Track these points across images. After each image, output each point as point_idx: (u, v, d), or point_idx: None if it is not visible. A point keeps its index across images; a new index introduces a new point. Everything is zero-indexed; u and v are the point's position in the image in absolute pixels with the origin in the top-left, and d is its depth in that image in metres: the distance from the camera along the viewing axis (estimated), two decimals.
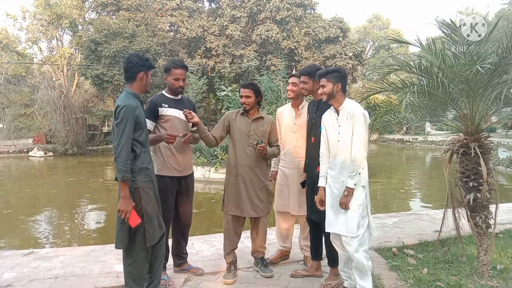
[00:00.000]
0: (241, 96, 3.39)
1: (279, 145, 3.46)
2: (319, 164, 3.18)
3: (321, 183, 3.01)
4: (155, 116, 3.24)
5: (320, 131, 3.16)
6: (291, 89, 3.57)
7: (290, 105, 3.69)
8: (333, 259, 3.19)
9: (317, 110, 3.26)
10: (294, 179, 3.51)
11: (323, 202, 3.01)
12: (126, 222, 2.60)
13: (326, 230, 2.97)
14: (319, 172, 3.18)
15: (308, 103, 3.67)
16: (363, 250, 2.80)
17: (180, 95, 3.41)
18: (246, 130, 3.36)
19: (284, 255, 3.74)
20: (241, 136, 3.36)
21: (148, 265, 2.76)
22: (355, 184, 2.77)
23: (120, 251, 2.75)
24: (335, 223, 2.89)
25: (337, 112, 2.92)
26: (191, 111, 3.20)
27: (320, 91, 2.92)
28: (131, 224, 2.56)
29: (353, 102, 2.91)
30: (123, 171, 2.47)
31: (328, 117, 3.00)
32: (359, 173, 2.77)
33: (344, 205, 2.80)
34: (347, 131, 2.82)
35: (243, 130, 3.36)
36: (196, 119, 3.19)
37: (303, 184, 3.41)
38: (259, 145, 3.21)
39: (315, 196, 3.18)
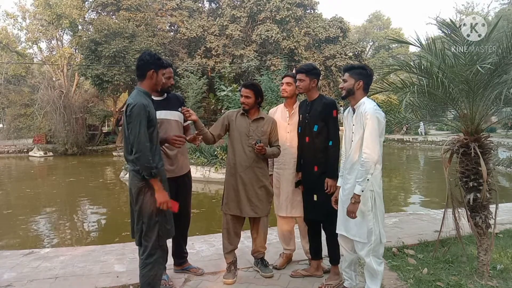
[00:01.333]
0: (242, 96, 3.40)
1: (279, 145, 3.45)
2: (316, 163, 3.19)
3: (338, 182, 3.00)
4: None
5: (315, 131, 3.17)
6: (285, 88, 3.56)
7: (282, 105, 3.69)
8: (335, 257, 3.20)
9: (310, 110, 3.26)
10: (288, 178, 3.50)
11: (337, 202, 3.00)
12: (141, 220, 2.64)
13: (337, 231, 2.95)
14: (316, 171, 3.18)
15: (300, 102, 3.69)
16: (374, 255, 2.75)
17: (165, 94, 3.34)
18: (246, 130, 3.35)
19: (289, 259, 3.72)
20: (240, 136, 3.36)
21: (164, 267, 2.76)
22: (362, 191, 2.64)
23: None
24: (345, 225, 2.86)
25: (354, 110, 2.85)
26: (188, 109, 3.19)
27: (340, 85, 2.90)
28: (174, 211, 2.72)
29: (370, 102, 2.76)
30: (149, 168, 2.51)
31: (346, 115, 2.97)
32: (368, 179, 2.62)
33: (351, 213, 2.68)
34: (358, 131, 2.75)
35: (242, 130, 3.36)
36: (194, 116, 3.19)
37: (296, 184, 3.41)
38: (257, 145, 3.21)
39: (315, 195, 3.19)
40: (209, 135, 3.34)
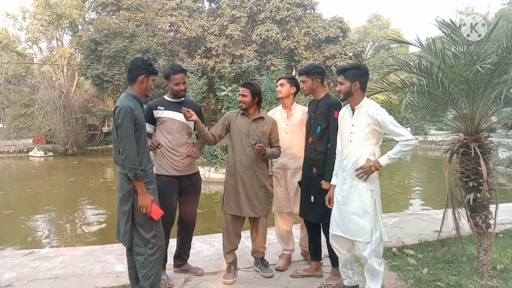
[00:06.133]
0: (240, 95, 3.44)
1: (280, 146, 3.46)
2: (315, 164, 3.18)
3: (333, 181, 2.98)
4: (151, 119, 3.31)
5: (318, 132, 3.16)
6: (279, 90, 3.61)
7: (280, 106, 3.72)
8: (334, 259, 3.19)
9: (316, 110, 3.25)
10: (289, 179, 3.52)
11: (331, 201, 2.98)
12: (129, 222, 2.67)
13: (330, 231, 2.92)
14: (315, 173, 3.17)
15: (298, 104, 3.69)
16: (376, 256, 2.74)
17: (182, 98, 3.43)
18: (246, 130, 3.36)
19: (289, 259, 3.72)
20: (240, 135, 3.36)
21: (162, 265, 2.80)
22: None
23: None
24: (342, 226, 2.83)
25: (353, 110, 2.84)
26: (189, 110, 3.19)
27: (337, 88, 2.88)
28: (154, 217, 2.67)
29: (372, 103, 2.78)
30: (134, 169, 2.55)
31: (343, 114, 2.94)
32: (399, 158, 2.66)
33: (363, 172, 2.68)
34: (360, 131, 2.74)
35: (242, 130, 3.37)
36: (194, 117, 3.19)
37: (300, 183, 3.41)
38: (257, 145, 3.21)
39: (312, 197, 3.18)
40: (210, 136, 3.36)
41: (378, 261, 2.76)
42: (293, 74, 16.54)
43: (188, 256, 3.61)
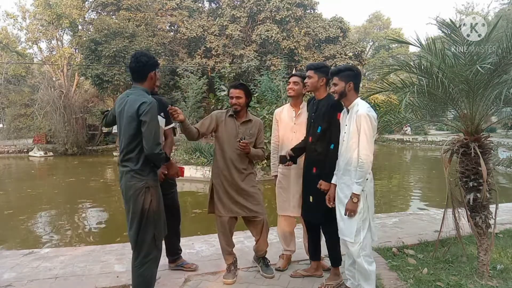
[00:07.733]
0: (231, 97, 3.33)
1: (263, 148, 3.45)
2: (315, 165, 3.18)
3: (333, 180, 3.00)
4: None
5: (318, 132, 3.16)
6: (292, 87, 3.52)
7: (288, 105, 3.67)
8: (335, 259, 3.19)
9: (316, 110, 3.24)
10: (295, 179, 3.49)
11: (332, 199, 2.99)
12: (138, 222, 2.67)
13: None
14: (314, 173, 3.17)
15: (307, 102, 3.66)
16: (364, 254, 2.76)
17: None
18: (235, 132, 3.32)
19: (289, 259, 3.71)
20: (230, 138, 3.32)
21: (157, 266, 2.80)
22: (363, 190, 2.71)
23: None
24: (339, 225, 2.89)
25: (348, 111, 2.88)
26: (176, 109, 2.95)
27: (332, 89, 2.90)
28: (182, 175, 3.08)
29: (363, 104, 2.81)
30: (165, 156, 2.69)
31: (342, 115, 2.99)
32: (367, 179, 2.71)
33: (351, 212, 2.74)
34: (352, 131, 2.77)
35: (231, 133, 3.32)
36: (181, 116, 2.93)
37: (281, 159, 3.39)
38: (242, 141, 3.17)
39: (311, 197, 3.18)
40: (194, 130, 3.22)
41: (369, 260, 2.78)
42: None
43: (181, 251, 3.59)
